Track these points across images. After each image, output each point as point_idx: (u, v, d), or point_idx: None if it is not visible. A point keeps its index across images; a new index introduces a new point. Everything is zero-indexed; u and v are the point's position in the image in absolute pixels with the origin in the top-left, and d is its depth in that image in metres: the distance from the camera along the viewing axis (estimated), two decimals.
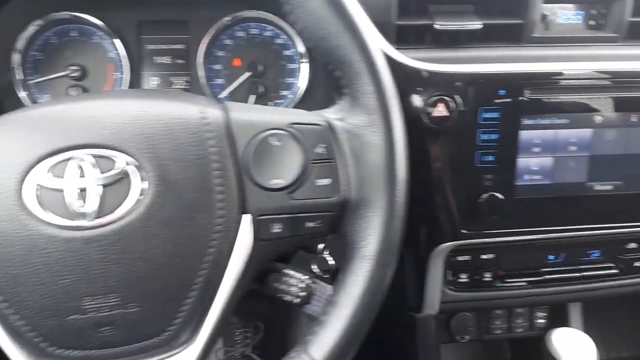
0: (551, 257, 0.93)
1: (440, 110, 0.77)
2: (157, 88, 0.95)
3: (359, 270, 0.57)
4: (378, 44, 0.56)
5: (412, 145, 0.82)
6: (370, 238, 0.56)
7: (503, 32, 0.81)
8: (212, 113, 0.55)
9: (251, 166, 0.55)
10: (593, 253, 0.93)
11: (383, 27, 0.78)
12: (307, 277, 0.65)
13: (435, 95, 0.76)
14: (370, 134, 0.57)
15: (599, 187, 0.84)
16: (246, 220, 0.56)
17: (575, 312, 1.06)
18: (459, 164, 0.80)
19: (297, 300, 0.64)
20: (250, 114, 0.57)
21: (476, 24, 0.78)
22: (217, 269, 0.54)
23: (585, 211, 0.85)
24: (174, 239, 0.51)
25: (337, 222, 0.58)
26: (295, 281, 0.64)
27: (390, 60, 0.75)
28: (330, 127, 0.58)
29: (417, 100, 0.77)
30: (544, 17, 0.81)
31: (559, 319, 1.08)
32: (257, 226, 0.56)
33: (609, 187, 0.84)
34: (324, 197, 0.57)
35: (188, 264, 0.52)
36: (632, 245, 0.92)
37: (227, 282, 0.54)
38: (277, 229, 0.56)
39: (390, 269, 0.58)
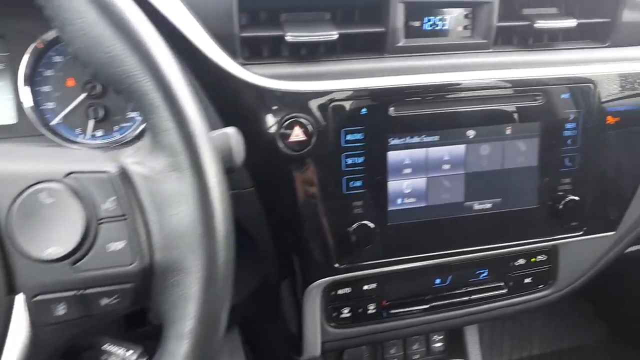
0: (438, 280, 0.86)
1: (297, 135, 0.67)
2: None
3: (176, 353, 0.45)
4: (173, 66, 0.45)
5: (270, 175, 0.73)
6: (186, 311, 0.45)
7: (364, 42, 0.73)
8: None
9: (16, 233, 0.42)
10: (481, 273, 0.87)
11: (226, 40, 0.67)
12: (133, 352, 0.53)
13: (290, 118, 0.67)
14: (175, 180, 0.45)
15: (477, 206, 0.78)
16: (19, 303, 0.43)
17: (472, 333, 1.01)
18: (325, 192, 0.71)
19: None
20: (10, 164, 0.44)
21: (332, 34, 0.68)
22: None
23: (465, 233, 0.79)
24: None
25: (141, 294, 0.47)
26: None
27: (233, 80, 0.65)
28: (123, 174, 0.46)
29: (270, 124, 0.67)
30: (407, 24, 0.73)
31: (457, 340, 1.02)
32: (35, 309, 0.43)
33: (488, 206, 0.78)
34: (118, 265, 0.45)
35: None
36: (521, 261, 0.88)
37: None
38: (61, 310, 0.44)
39: (214, 347, 0.47)
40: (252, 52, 0.71)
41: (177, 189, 0.45)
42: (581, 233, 0.83)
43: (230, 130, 0.56)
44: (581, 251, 0.88)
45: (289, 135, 0.67)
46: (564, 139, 0.78)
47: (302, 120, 0.67)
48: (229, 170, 0.56)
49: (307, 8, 0.72)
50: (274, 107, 0.67)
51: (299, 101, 0.67)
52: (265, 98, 0.66)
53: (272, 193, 0.72)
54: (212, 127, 0.64)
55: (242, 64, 0.68)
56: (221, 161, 0.47)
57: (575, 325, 1.84)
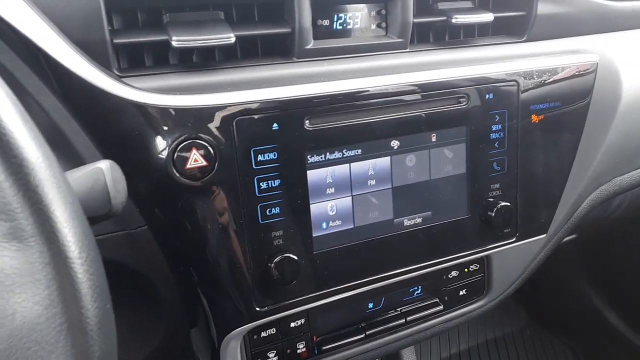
0: (371, 304, 0.78)
1: (195, 160, 0.55)
2: None
3: None
4: None
5: (166, 211, 0.60)
6: None
7: (268, 45, 0.63)
8: None
9: None
10: (415, 290, 0.80)
11: (94, 48, 0.53)
12: None
13: (185, 140, 0.54)
14: (15, 254, 0.32)
15: (407, 222, 0.70)
16: None
17: (409, 353, 0.94)
18: (236, 225, 0.60)
19: None
20: None
21: (228, 37, 0.57)
22: None
23: (398, 252, 0.71)
24: None
25: None
26: None
27: (106, 97, 0.52)
28: None
29: (159, 150, 0.54)
30: (315, 23, 0.64)
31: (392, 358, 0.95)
32: None
33: (418, 221, 0.71)
34: None
35: None
36: (454, 273, 0.82)
37: None
38: None
39: None
40: (131, 62, 0.58)
41: (19, 266, 0.32)
42: (514, 240, 0.79)
43: (104, 165, 0.43)
44: (513, 257, 0.84)
45: (185, 161, 0.54)
46: (491, 142, 0.73)
47: (201, 141, 0.55)
48: (104, 217, 0.43)
49: (195, 7, 0.60)
50: (163, 129, 0.54)
51: (194, 119, 0.55)
52: (150, 117, 0.54)
53: (171, 231, 0.59)
54: (88, 160, 0.51)
55: (118, 77, 0.54)
56: (83, 216, 0.34)
57: (498, 316, 1.88)
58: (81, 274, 0.32)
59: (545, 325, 1.85)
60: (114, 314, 0.64)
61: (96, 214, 0.43)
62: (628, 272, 1.56)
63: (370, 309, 0.78)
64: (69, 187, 0.34)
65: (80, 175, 0.43)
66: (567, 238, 1.16)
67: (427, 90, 0.66)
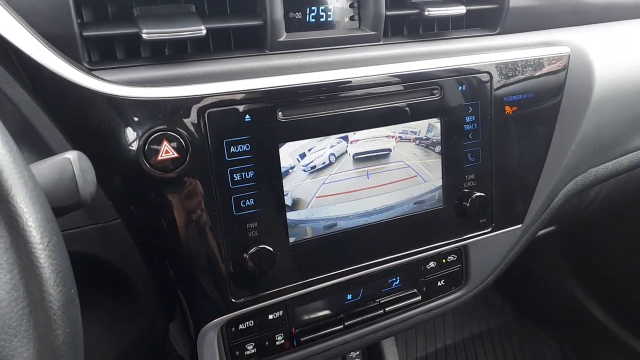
0: (349, 296, 0.78)
1: (167, 152, 0.55)
2: None
3: None
4: None
5: (138, 203, 0.60)
6: None
7: (240, 38, 0.63)
8: None
9: None
10: (394, 281, 0.81)
11: (63, 41, 0.53)
12: None
13: (156, 132, 0.55)
14: None
15: (383, 213, 0.71)
16: None
17: (389, 344, 0.95)
18: (211, 217, 0.60)
19: None
20: None
21: (199, 30, 0.57)
22: None
23: (375, 242, 0.71)
24: None
25: None
26: None
27: (76, 89, 0.52)
28: None
29: (129, 142, 0.54)
30: (287, 16, 0.64)
31: (375, 355, 0.96)
32: None
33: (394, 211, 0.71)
34: None
35: None
36: (432, 264, 0.83)
37: None
38: None
39: None
40: (103, 55, 0.58)
41: None
42: (489, 230, 0.80)
43: (72, 156, 0.44)
44: (490, 247, 0.85)
45: (156, 153, 0.55)
46: (465, 134, 0.73)
47: (172, 133, 0.55)
48: (73, 207, 0.43)
49: (166, 0, 0.60)
50: (134, 120, 0.54)
51: (164, 111, 0.55)
52: (120, 110, 0.54)
53: (144, 224, 0.59)
54: (59, 152, 0.51)
55: (89, 70, 0.54)
56: (45, 202, 0.35)
57: (483, 311, 1.90)
58: (43, 258, 0.32)
59: (530, 319, 1.87)
60: (90, 308, 0.64)
61: (64, 204, 0.43)
62: (610, 265, 1.58)
63: (349, 300, 0.78)
64: (30, 174, 0.34)
65: (48, 166, 0.43)
66: (546, 230, 1.18)
67: (400, 82, 0.67)
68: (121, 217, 0.60)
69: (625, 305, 1.57)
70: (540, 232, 1.18)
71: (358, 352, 0.93)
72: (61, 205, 0.43)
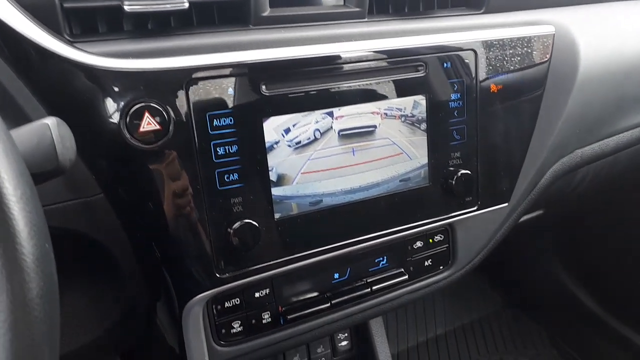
0: (336, 275, 0.78)
1: (149, 124, 0.55)
2: None
3: None
4: None
5: (120, 176, 0.59)
6: None
7: (224, 12, 0.63)
8: None
9: None
10: (380, 261, 0.81)
11: (43, 12, 0.53)
12: None
13: (137, 104, 0.54)
14: None
15: (369, 190, 0.71)
16: None
17: (377, 326, 0.95)
18: (195, 190, 0.60)
19: None
20: None
21: (181, 3, 0.57)
22: None
23: (360, 218, 0.71)
24: None
25: None
26: None
27: (56, 60, 0.52)
28: None
29: (111, 113, 0.54)
30: None
31: (362, 336, 0.96)
32: None
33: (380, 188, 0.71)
34: None
35: None
36: (419, 244, 0.83)
37: None
38: None
39: None
40: (84, 28, 0.58)
41: None
42: (475, 208, 0.80)
43: (51, 121, 0.43)
44: (477, 226, 0.85)
45: (138, 125, 0.54)
46: (450, 111, 0.74)
47: (154, 105, 0.55)
48: (52, 173, 0.43)
49: None
50: (115, 92, 0.54)
51: (146, 82, 0.55)
52: (101, 81, 0.53)
53: (127, 197, 0.59)
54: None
55: (69, 42, 0.54)
56: (19, 157, 0.34)
57: (472, 300, 1.91)
58: (16, 211, 0.32)
59: (520, 307, 1.88)
60: (72, 285, 0.63)
61: (43, 170, 0.43)
62: (598, 253, 1.59)
63: (336, 279, 0.78)
64: (7, 136, 0.34)
65: (26, 131, 0.43)
66: (533, 214, 1.19)
67: (385, 58, 0.67)
68: (103, 192, 0.59)
69: (613, 292, 1.59)
70: (528, 217, 1.19)
71: (346, 335, 0.94)
72: (40, 171, 0.43)
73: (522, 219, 0.96)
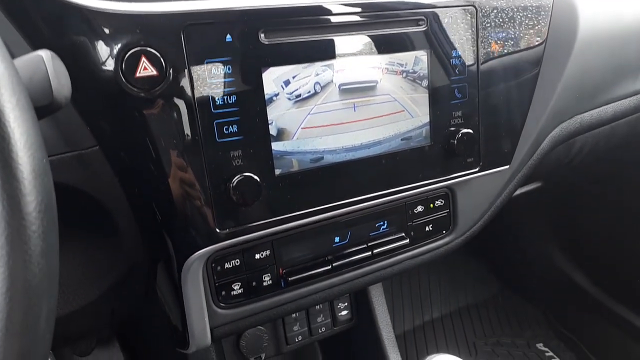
0: (337, 238, 0.77)
1: (145, 69, 0.53)
2: None
3: None
4: None
5: (116, 125, 0.58)
6: None
7: None
8: None
9: None
10: (381, 225, 0.80)
11: None
12: None
13: (133, 47, 0.52)
14: None
15: (370, 148, 0.69)
16: None
17: (377, 294, 0.94)
18: (193, 142, 0.58)
19: None
20: None
21: None
22: None
23: (361, 177, 0.70)
24: None
25: None
26: None
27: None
28: None
29: (104, 58, 0.52)
30: None
31: (362, 305, 0.95)
32: None
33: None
34: None
35: None
36: (419, 208, 0.82)
37: None
38: None
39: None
40: None
41: None
42: (477, 169, 0.79)
43: (45, 54, 0.42)
44: (478, 191, 0.85)
45: (134, 70, 0.53)
46: (452, 68, 0.72)
47: (151, 49, 0.53)
48: (47, 109, 0.41)
49: None
50: (110, 35, 0.52)
51: (142, 26, 0.53)
52: (96, 23, 0.52)
53: (123, 149, 0.57)
54: None
55: None
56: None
57: (470, 284, 1.91)
58: (12, 120, 0.30)
59: (516, 290, 1.89)
60: (68, 243, 0.61)
61: (38, 104, 0.41)
62: (594, 234, 1.59)
63: (337, 243, 0.77)
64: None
65: (19, 64, 0.41)
66: (532, 185, 1.18)
67: (385, 10, 0.66)
68: (99, 144, 0.58)
69: (609, 273, 1.59)
70: (526, 189, 1.19)
71: (346, 304, 0.92)
72: (35, 106, 0.41)
73: (520, 191, 0.96)
